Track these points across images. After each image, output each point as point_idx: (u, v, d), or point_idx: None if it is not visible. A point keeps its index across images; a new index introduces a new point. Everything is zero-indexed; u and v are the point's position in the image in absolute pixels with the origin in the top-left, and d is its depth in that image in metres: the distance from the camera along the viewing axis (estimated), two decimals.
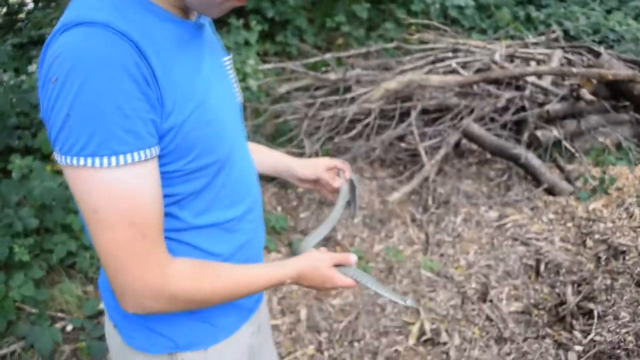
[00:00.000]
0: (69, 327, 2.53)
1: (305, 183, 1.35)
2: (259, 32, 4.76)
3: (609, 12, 6.87)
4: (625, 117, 4.52)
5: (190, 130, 0.87)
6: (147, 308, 0.88)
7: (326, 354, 2.49)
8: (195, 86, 0.89)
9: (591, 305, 2.39)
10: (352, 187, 1.33)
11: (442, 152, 3.94)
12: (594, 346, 2.17)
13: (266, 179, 3.82)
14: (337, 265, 1.09)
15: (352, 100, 4.19)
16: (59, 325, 2.53)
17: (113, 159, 0.78)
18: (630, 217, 3.25)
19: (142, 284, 0.85)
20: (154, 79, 0.81)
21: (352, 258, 1.09)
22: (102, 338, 2.37)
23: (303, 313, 2.74)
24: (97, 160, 0.78)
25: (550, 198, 3.63)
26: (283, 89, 4.40)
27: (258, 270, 1.01)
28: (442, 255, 3.19)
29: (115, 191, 0.80)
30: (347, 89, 4.37)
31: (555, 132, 4.04)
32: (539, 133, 4.07)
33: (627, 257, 2.88)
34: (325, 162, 1.33)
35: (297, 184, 1.35)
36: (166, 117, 0.83)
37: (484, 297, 2.75)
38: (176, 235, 0.97)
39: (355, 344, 2.54)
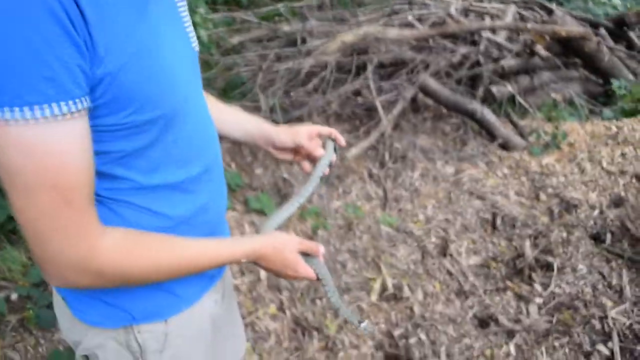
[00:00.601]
0: (14, 296, 2.36)
1: (283, 152, 1.22)
2: None
3: None
4: (575, 74, 4.60)
5: (129, 79, 0.75)
6: (71, 282, 0.78)
7: (288, 312, 2.45)
8: (136, 30, 0.76)
9: (549, 259, 2.44)
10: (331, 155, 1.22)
11: (399, 106, 3.89)
12: (554, 298, 2.22)
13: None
14: (303, 254, 1.04)
15: (308, 52, 4.05)
16: (2, 294, 2.37)
17: (27, 111, 0.65)
18: (582, 171, 3.32)
19: (65, 256, 0.75)
20: (81, 18, 0.67)
21: (321, 249, 1.06)
22: (50, 306, 2.23)
23: (263, 272, 2.68)
24: (7, 112, 0.65)
25: (505, 153, 3.67)
26: (235, 40, 4.20)
27: (208, 246, 0.93)
28: (400, 210, 3.18)
29: (32, 150, 0.68)
30: (303, 41, 4.22)
31: (509, 88, 4.05)
32: (493, 88, 4.08)
33: (579, 211, 2.96)
34: (308, 129, 1.20)
35: (274, 153, 1.22)
36: (98, 64, 0.71)
37: (443, 251, 2.76)
38: (124, 197, 0.86)
39: (318, 301, 2.51)
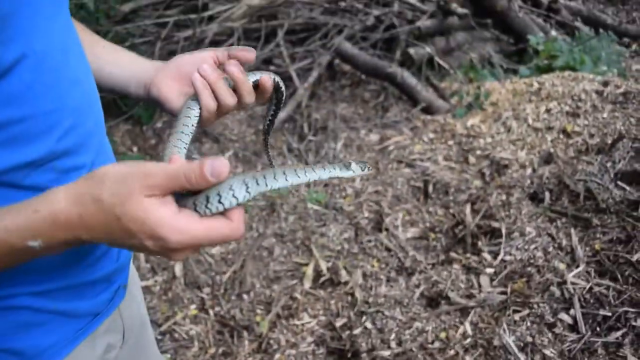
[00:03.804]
0: None
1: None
2: None
3: None
4: (487, 35, 4.51)
5: None
6: None
7: (211, 312, 2.11)
8: None
9: (494, 224, 2.26)
10: (275, 96, 0.84)
11: (314, 74, 3.60)
12: (505, 267, 2.03)
13: (115, 114, 3.21)
14: (181, 199, 0.54)
15: (211, 18, 3.65)
16: None
17: None
18: (508, 130, 3.20)
19: None
20: None
21: (213, 166, 0.51)
22: None
23: (178, 268, 2.31)
24: None
25: (428, 117, 3.48)
26: (126, 7, 3.71)
27: None
28: (326, 185, 2.91)
29: None
30: (205, 7, 3.80)
31: (428, 49, 3.87)
32: (411, 51, 3.88)
33: (510, 171, 2.82)
34: (205, 56, 0.78)
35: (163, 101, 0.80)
36: None
37: (378, 226, 2.52)
38: None
39: (245, 296, 2.19)
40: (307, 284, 2.22)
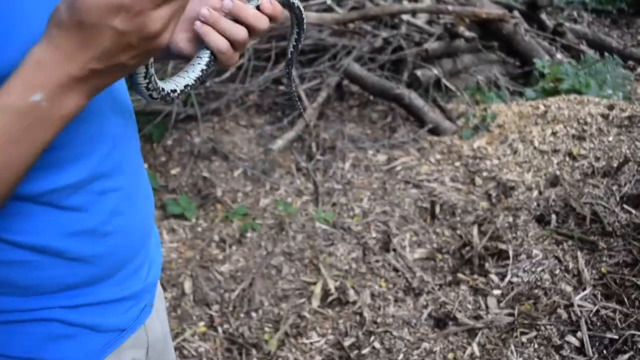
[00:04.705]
0: None
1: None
2: None
3: None
4: (494, 57, 4.57)
5: None
6: None
7: (220, 329, 2.13)
8: None
9: (501, 246, 2.28)
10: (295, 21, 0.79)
11: (323, 94, 3.66)
12: (512, 289, 2.05)
13: None
14: None
15: None
16: None
17: None
18: (514, 152, 3.23)
19: None
20: None
21: None
22: None
23: (187, 285, 2.34)
24: None
25: (435, 138, 3.52)
26: None
27: None
28: (334, 204, 2.94)
29: None
30: None
31: (435, 71, 3.93)
32: (419, 72, 3.93)
33: (517, 193, 2.85)
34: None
35: None
36: None
37: (386, 246, 2.55)
38: None
39: (253, 314, 2.21)
40: (316, 303, 2.24)
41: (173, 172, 3.26)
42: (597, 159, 3.00)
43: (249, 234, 2.71)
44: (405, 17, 4.28)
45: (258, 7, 0.70)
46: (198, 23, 0.68)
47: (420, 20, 4.40)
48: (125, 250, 0.75)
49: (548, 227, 2.45)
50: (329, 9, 4.32)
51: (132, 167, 0.75)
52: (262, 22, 0.69)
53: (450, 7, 4.02)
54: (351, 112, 3.84)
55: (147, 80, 0.64)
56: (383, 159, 3.35)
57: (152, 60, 0.63)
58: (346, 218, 2.79)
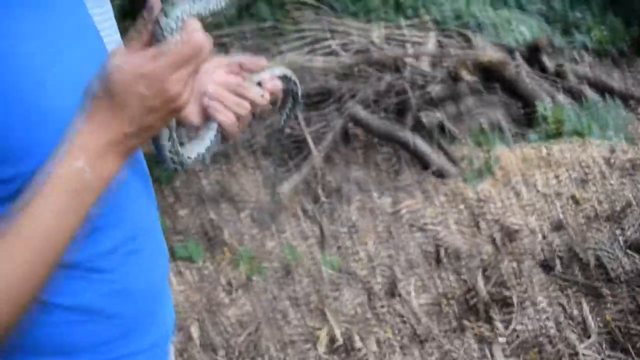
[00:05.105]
0: None
1: None
2: (117, 9, 4.16)
3: None
4: (496, 99, 4.64)
5: None
6: None
7: None
8: None
9: (505, 292, 2.31)
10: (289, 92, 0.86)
11: (329, 137, 3.73)
12: (517, 337, 2.07)
13: None
14: None
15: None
16: None
17: None
18: (518, 196, 3.27)
19: None
20: None
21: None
22: None
23: (194, 329, 2.36)
24: None
25: (440, 181, 3.57)
26: None
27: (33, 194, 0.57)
28: (339, 248, 2.97)
29: None
30: None
31: (438, 115, 4.00)
32: (422, 116, 4.01)
33: (521, 236, 2.88)
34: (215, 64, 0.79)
35: None
36: None
37: (391, 291, 2.57)
38: None
39: (259, 359, 2.22)
40: (321, 349, 2.25)
41: (180, 213, 3.31)
42: (600, 202, 3.03)
43: (255, 278, 2.73)
44: (408, 61, 4.38)
45: (259, 84, 0.78)
46: (206, 99, 0.76)
47: (424, 64, 4.50)
48: (150, 303, 0.80)
49: (552, 273, 2.48)
50: (334, 53, 4.43)
51: (151, 226, 0.81)
52: (264, 98, 0.77)
53: (452, 52, 4.11)
54: (356, 155, 3.90)
55: (170, 143, 0.72)
56: (388, 202, 3.39)
57: (174, 124, 0.71)
58: (352, 262, 2.82)
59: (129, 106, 0.58)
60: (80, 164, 0.57)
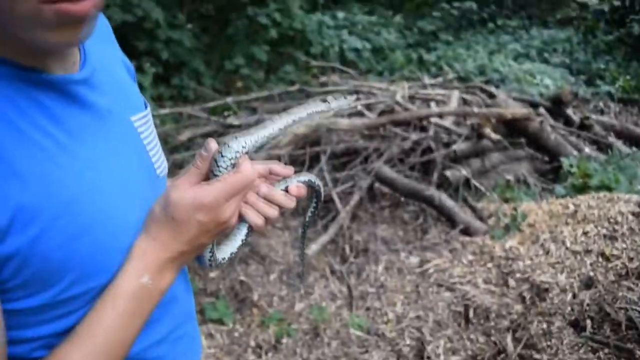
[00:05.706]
0: None
1: None
2: (153, 75, 4.41)
3: (491, 54, 7.29)
4: (522, 154, 4.68)
5: (52, 250, 0.60)
6: None
7: None
8: (54, 181, 0.61)
9: (536, 356, 2.29)
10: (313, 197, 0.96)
11: (355, 197, 3.80)
12: None
13: None
14: None
15: (261, 146, 3.96)
16: None
17: None
18: (547, 253, 3.26)
19: None
20: None
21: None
22: None
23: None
24: None
25: (467, 238, 3.58)
26: (184, 136, 4.07)
27: (96, 312, 0.68)
28: (368, 309, 2.99)
29: None
30: None
31: (464, 171, 4.05)
32: (448, 173, 4.07)
33: (551, 295, 2.85)
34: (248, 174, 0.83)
35: None
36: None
37: (420, 353, 2.57)
38: None
39: None
40: None
41: (211, 275, 3.39)
42: (631, 259, 3.00)
43: (284, 340, 2.77)
44: (433, 119, 4.48)
45: (286, 189, 0.86)
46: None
47: (448, 121, 4.59)
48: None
49: (583, 333, 2.45)
50: (360, 114, 4.56)
51: (190, 309, 0.91)
52: (290, 203, 0.86)
53: (476, 109, 4.20)
54: (383, 214, 3.96)
55: (210, 253, 0.82)
56: (415, 261, 3.41)
57: None
58: (380, 324, 2.83)
59: (188, 230, 0.70)
60: (145, 280, 0.69)
